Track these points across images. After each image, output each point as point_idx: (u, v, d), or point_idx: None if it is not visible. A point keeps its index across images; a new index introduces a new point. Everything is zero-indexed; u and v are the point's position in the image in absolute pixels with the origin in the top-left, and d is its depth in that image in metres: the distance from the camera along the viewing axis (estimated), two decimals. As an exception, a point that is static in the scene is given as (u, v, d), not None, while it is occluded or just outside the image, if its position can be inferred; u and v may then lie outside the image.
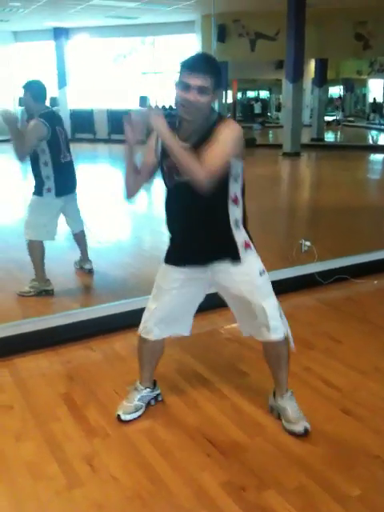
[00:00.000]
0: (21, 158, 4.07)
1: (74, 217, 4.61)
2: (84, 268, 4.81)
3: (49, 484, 2.31)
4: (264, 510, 2.15)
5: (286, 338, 2.58)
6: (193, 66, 2.19)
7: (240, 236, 2.43)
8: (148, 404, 2.80)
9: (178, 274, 2.52)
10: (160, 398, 2.86)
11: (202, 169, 2.12)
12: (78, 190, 4.54)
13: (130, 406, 2.72)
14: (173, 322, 2.66)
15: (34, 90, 4.12)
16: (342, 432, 2.62)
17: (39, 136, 4.03)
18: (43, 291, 4.31)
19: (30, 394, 2.99)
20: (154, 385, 2.83)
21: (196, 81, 2.16)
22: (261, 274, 2.48)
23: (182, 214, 2.42)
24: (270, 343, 2.57)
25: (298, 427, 2.57)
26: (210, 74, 2.18)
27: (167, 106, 17.64)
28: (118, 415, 2.69)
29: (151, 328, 2.62)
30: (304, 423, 2.58)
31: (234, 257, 2.43)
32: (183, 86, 2.18)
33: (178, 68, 2.23)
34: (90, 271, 4.80)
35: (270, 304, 2.50)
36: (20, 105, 4.35)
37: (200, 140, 2.24)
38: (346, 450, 2.49)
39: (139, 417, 2.72)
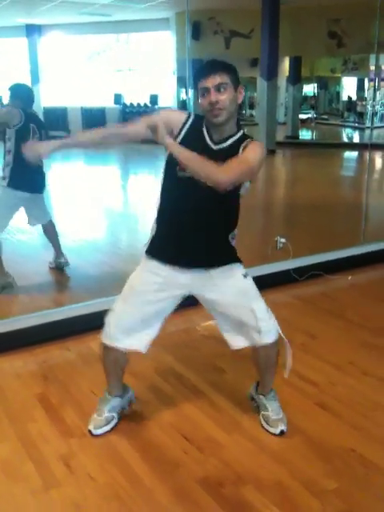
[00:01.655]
0: None
1: (36, 213, 4.57)
2: (60, 262, 4.75)
3: (25, 485, 2.28)
4: (242, 505, 2.16)
5: (276, 342, 2.51)
6: (204, 70, 2.19)
7: (233, 241, 2.46)
8: (123, 409, 2.71)
9: (156, 276, 2.39)
10: (134, 400, 2.78)
11: (220, 170, 2.08)
12: (44, 191, 4.53)
13: (101, 419, 2.60)
14: (135, 331, 2.46)
15: (24, 96, 4.22)
16: (319, 426, 2.65)
17: (7, 118, 4.08)
18: (5, 284, 4.31)
19: (4, 395, 2.96)
20: (124, 390, 2.71)
21: (211, 81, 2.15)
22: (244, 276, 2.45)
23: (189, 209, 2.29)
24: (261, 347, 2.50)
25: (274, 430, 2.58)
26: (224, 70, 2.17)
27: (142, 104, 17.64)
28: (89, 430, 2.59)
29: (114, 333, 2.45)
30: (281, 426, 2.57)
31: (231, 259, 2.44)
32: (202, 92, 2.17)
33: (194, 81, 2.23)
34: (65, 264, 4.74)
35: (259, 306, 2.45)
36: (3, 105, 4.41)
37: (230, 147, 2.24)
38: (322, 445, 2.51)
39: (113, 429, 2.62)
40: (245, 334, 2.49)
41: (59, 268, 4.78)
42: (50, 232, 4.72)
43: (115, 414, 2.65)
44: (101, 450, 2.50)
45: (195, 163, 2.07)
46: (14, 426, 2.68)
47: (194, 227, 2.32)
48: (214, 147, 2.26)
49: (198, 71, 2.22)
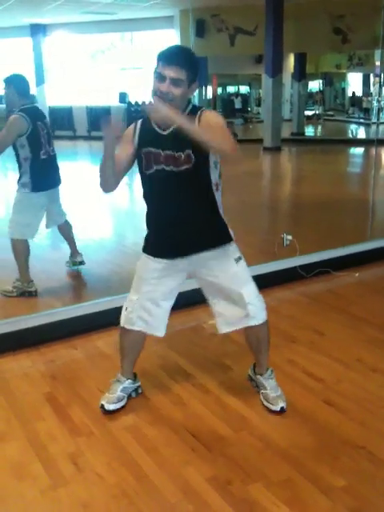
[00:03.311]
0: None
1: (55, 211, 4.53)
2: (75, 261, 4.75)
3: (33, 484, 2.29)
4: (250, 503, 2.15)
5: (266, 322, 2.65)
6: (168, 57, 2.25)
7: (225, 220, 2.52)
8: (129, 396, 2.82)
9: (156, 264, 2.55)
10: (140, 391, 2.89)
11: (227, 143, 2.17)
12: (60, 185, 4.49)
13: (113, 396, 2.74)
14: (153, 316, 2.65)
15: (18, 85, 4.09)
16: (326, 423, 2.64)
17: (19, 131, 3.99)
18: (26, 292, 4.25)
19: (13, 394, 2.97)
20: (135, 377, 2.85)
21: (170, 72, 2.22)
22: (237, 260, 2.54)
23: (164, 203, 2.44)
24: (250, 328, 2.64)
25: (275, 407, 2.69)
26: (185, 66, 2.23)
27: (140, 102, 17.63)
28: (102, 405, 2.71)
29: (135, 320, 2.64)
30: (281, 403, 2.68)
31: (221, 238, 2.50)
32: (158, 76, 2.24)
33: (156, 60, 2.27)
34: (81, 263, 4.74)
35: (248, 290, 2.56)
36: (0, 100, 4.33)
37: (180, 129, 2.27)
38: (330, 442, 2.51)
39: (122, 407, 2.74)
40: (234, 315, 2.61)
41: (75, 266, 4.76)
42: (66, 231, 4.71)
43: (125, 395, 2.77)
44: (108, 449, 2.50)
45: (202, 135, 2.17)
46: (23, 425, 2.69)
47: (175, 218, 2.45)
48: (164, 132, 2.34)
49: (163, 54, 2.26)
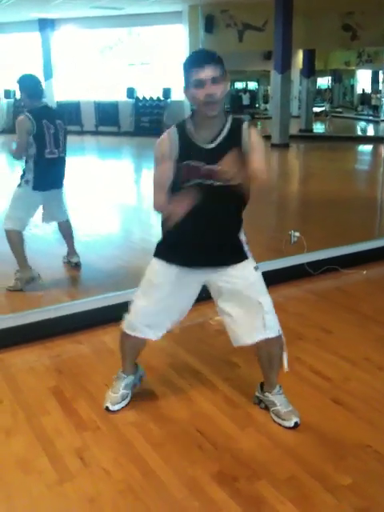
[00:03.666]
0: (18, 156, 4.20)
1: (54, 210, 4.56)
2: (71, 262, 4.78)
3: (39, 478, 2.29)
4: (256, 500, 2.15)
5: (280, 337, 2.55)
6: (200, 60, 2.20)
7: (243, 236, 2.48)
8: (134, 385, 2.83)
9: (171, 269, 2.48)
10: (144, 376, 2.91)
11: (264, 172, 2.28)
12: (64, 185, 4.50)
13: (116, 396, 2.74)
14: (158, 323, 2.61)
15: (28, 89, 4.15)
16: (333, 422, 2.63)
17: (27, 130, 4.06)
18: (30, 279, 4.29)
19: (19, 389, 2.97)
20: (136, 369, 2.84)
21: (208, 73, 2.17)
22: (256, 269, 2.49)
23: (197, 215, 2.31)
24: (264, 341, 2.52)
25: (288, 423, 2.57)
26: (217, 63, 2.21)
27: (155, 98, 17.60)
28: (106, 407, 2.71)
29: (136, 326, 2.59)
30: (294, 418, 2.57)
31: (242, 256, 2.46)
32: (196, 83, 2.18)
33: (183, 70, 2.24)
34: (77, 265, 4.77)
35: (266, 300, 2.50)
36: (17, 100, 4.39)
37: (226, 141, 2.27)
38: (336, 440, 2.50)
39: (127, 405, 2.75)
40: (250, 326, 2.50)
41: (71, 266, 4.80)
42: (66, 230, 4.73)
43: (129, 391, 2.78)
44: (115, 444, 2.50)
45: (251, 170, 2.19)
46: (29, 419, 2.69)
47: (203, 233, 2.40)
48: (208, 146, 2.28)
49: (192, 61, 2.23)
